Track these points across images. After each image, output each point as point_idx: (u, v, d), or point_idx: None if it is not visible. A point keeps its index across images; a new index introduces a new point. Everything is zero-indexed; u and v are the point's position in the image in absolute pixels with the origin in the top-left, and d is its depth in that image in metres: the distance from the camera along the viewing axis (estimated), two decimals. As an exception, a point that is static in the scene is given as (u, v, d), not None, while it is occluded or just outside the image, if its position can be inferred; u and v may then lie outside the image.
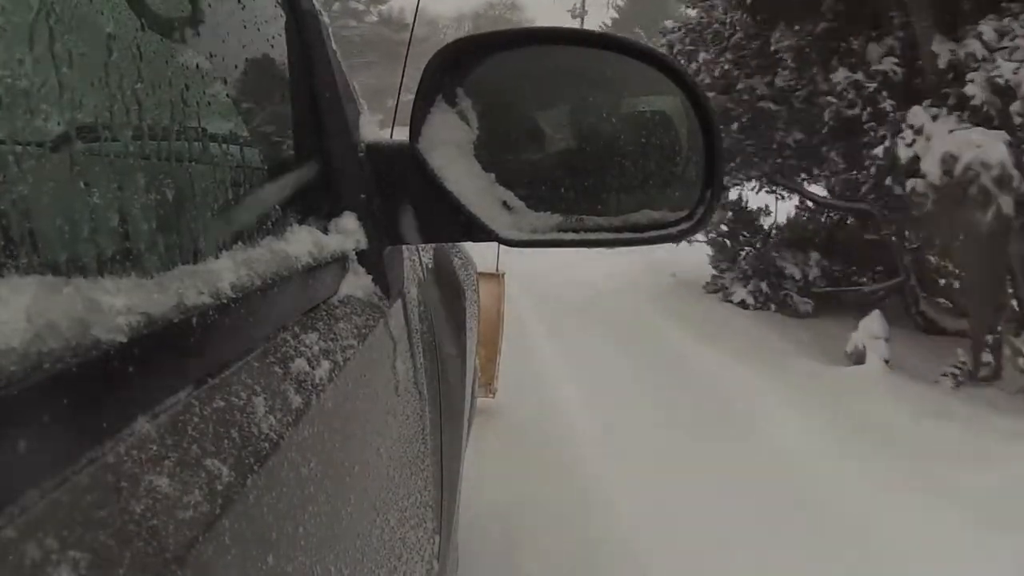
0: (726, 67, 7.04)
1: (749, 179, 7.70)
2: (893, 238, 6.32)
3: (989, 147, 4.11)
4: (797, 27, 6.16)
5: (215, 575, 0.37)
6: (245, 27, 0.72)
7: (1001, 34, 4.39)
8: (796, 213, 8.03)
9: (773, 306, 6.78)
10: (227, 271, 0.50)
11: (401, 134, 0.94)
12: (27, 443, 0.29)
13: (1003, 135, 4.17)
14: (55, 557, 0.27)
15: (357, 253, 0.84)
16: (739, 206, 7.79)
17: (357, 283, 0.82)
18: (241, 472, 0.42)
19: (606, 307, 6.90)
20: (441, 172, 0.85)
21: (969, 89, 4.35)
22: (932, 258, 6.30)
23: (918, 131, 4.50)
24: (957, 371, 4.60)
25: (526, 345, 5.20)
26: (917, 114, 4.57)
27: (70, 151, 0.38)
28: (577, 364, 4.91)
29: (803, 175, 7.53)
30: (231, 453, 0.42)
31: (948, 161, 4.21)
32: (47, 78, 0.37)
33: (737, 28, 7.19)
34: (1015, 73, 4.14)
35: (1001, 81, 4.20)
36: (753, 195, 7.98)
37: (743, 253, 7.56)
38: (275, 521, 0.44)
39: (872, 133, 5.44)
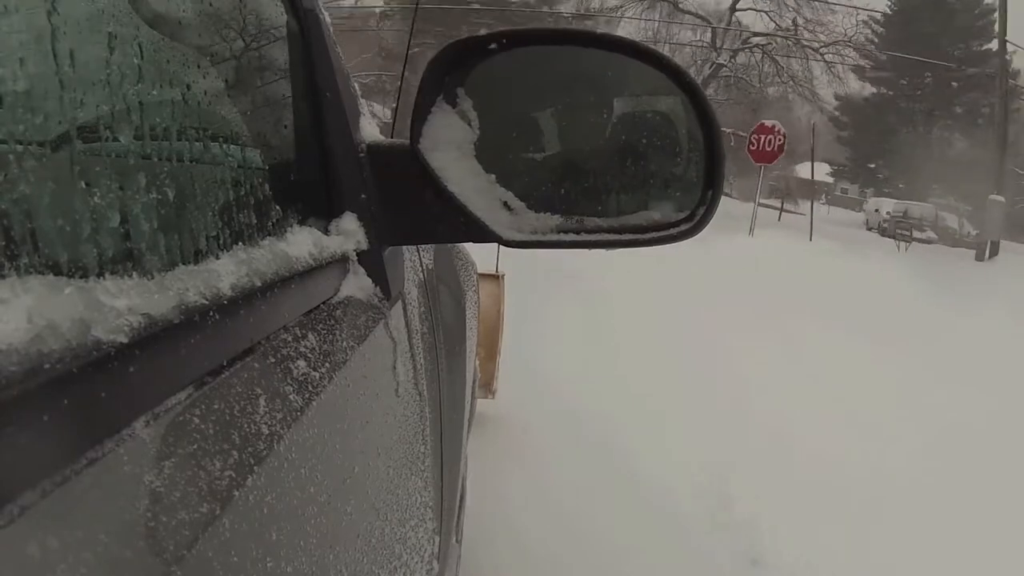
0: None
1: None
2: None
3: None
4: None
5: (215, 575, 0.37)
6: (245, 27, 0.72)
7: None
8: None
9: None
10: (227, 272, 0.50)
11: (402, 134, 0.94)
12: (27, 443, 0.29)
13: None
14: (55, 557, 0.27)
15: (357, 254, 0.84)
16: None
17: (357, 284, 0.82)
18: (241, 472, 0.42)
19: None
20: (441, 172, 0.85)
21: None
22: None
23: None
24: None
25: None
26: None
27: (71, 151, 0.38)
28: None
29: None
30: (231, 453, 0.42)
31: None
32: (47, 78, 0.37)
33: None
34: None
35: None
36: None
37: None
38: (275, 521, 0.44)
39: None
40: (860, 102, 37.41)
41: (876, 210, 30.79)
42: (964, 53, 35.38)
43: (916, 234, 24.07)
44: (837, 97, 35.21)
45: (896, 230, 23.79)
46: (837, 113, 39.62)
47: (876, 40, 34.36)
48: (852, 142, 39.26)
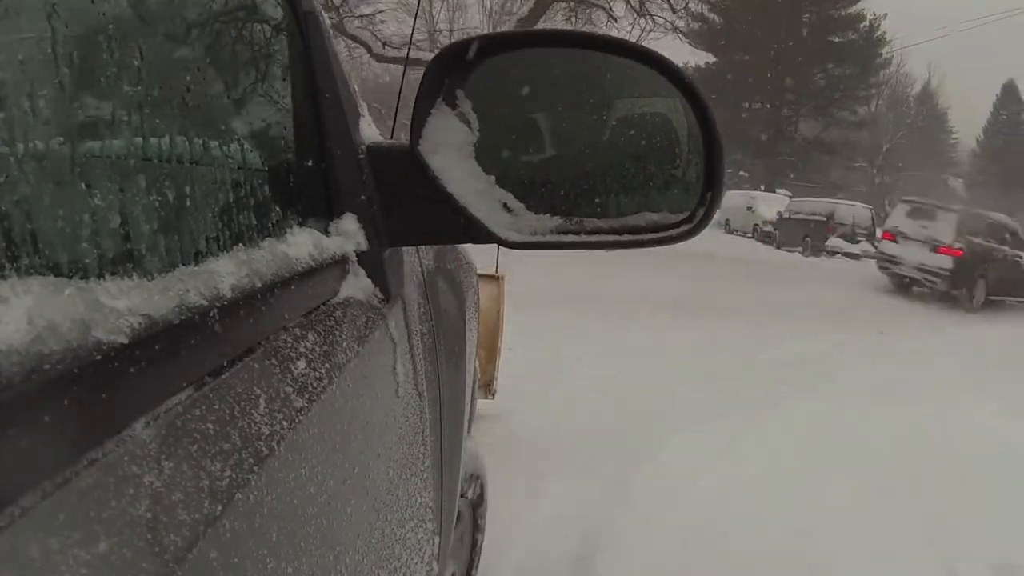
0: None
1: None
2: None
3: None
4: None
5: (215, 575, 0.37)
6: (246, 27, 0.72)
7: None
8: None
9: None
10: (228, 273, 0.50)
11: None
12: (28, 443, 0.29)
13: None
14: (55, 557, 0.28)
15: (357, 255, 0.84)
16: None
17: (357, 285, 0.82)
18: (241, 472, 0.42)
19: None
20: (441, 174, 0.85)
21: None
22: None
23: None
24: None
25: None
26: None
27: (72, 152, 0.38)
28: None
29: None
30: (231, 454, 0.42)
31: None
32: (48, 78, 0.37)
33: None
34: None
35: None
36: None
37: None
38: (275, 521, 0.44)
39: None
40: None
41: (750, 208, 21.64)
42: (820, 18, 29.07)
43: (845, 246, 17.21)
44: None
45: (810, 239, 16.98)
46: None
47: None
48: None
